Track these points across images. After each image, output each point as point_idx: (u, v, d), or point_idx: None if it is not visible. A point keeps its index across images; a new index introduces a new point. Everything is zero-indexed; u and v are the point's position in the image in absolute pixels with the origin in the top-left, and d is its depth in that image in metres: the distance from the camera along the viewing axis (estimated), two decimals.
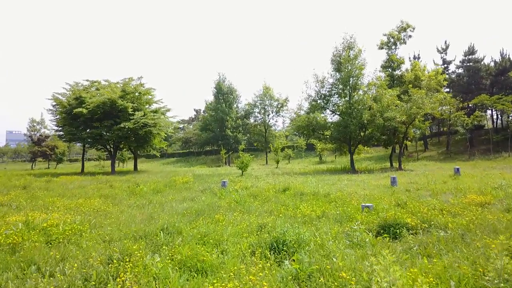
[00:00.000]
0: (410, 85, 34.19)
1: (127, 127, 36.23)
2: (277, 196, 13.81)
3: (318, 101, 33.81)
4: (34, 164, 72.05)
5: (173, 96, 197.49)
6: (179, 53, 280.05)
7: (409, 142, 36.99)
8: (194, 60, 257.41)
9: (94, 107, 36.46)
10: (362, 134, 32.93)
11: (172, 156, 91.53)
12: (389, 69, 35.11)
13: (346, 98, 31.89)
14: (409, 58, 46.91)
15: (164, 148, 61.11)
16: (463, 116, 43.95)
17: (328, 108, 34.05)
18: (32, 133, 75.97)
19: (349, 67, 31.21)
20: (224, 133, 61.55)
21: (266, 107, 64.11)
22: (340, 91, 32.57)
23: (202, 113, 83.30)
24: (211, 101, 67.58)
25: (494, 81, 48.16)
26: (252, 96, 78.26)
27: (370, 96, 30.48)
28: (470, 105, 47.59)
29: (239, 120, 63.57)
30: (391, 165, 35.81)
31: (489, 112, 52.39)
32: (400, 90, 32.53)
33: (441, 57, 50.70)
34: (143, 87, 42.75)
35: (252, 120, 67.99)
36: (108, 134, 37.67)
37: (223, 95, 63.76)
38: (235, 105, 65.71)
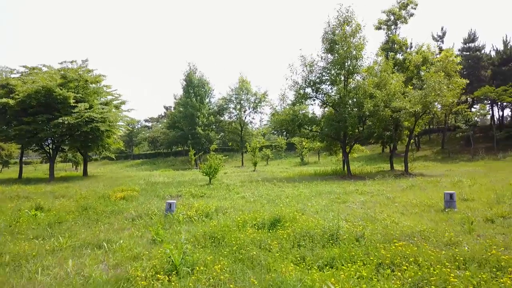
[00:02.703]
0: (415, 70, 28.37)
1: (67, 122, 28.58)
2: (262, 247, 7.04)
3: (306, 89, 27.41)
4: None
5: (142, 92, 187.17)
6: (147, 43, 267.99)
7: (400, 142, 31.13)
8: (164, 52, 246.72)
9: (25, 97, 28.66)
10: (360, 129, 26.75)
11: (138, 157, 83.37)
12: (389, 52, 29.01)
13: (341, 85, 25.57)
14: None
15: (123, 148, 53.16)
16: (466, 110, 38.81)
17: (318, 98, 27.72)
18: None
19: (345, 47, 24.94)
20: (194, 131, 54.24)
21: (242, 102, 57.36)
22: (333, 77, 26.23)
23: (171, 110, 75.51)
24: (180, 95, 60.07)
25: (496, 71, 43.36)
26: (227, 90, 71.26)
27: (372, 81, 24.28)
28: (469, 98, 42.60)
29: (212, 116, 56.38)
30: (392, 167, 29.90)
31: (487, 107, 47.68)
32: (404, 76, 26.56)
33: (437, 45, 45.50)
34: (91, 73, 35.08)
35: (226, 117, 61.08)
36: (44, 131, 29.88)
37: (194, 88, 56.43)
38: (207, 100, 58.50)
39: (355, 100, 24.85)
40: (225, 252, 6.55)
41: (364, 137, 26.61)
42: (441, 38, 47.01)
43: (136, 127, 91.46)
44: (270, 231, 7.92)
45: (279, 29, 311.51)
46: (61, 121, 28.39)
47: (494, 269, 5.11)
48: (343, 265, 5.62)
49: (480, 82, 42.90)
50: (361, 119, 25.65)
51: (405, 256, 5.74)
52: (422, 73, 27.29)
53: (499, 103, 45.03)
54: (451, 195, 9.66)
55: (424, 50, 28.58)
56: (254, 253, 6.38)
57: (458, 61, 24.48)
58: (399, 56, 29.64)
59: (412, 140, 30.27)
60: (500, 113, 49.38)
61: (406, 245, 6.23)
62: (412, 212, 9.97)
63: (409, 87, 24.95)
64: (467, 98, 41.93)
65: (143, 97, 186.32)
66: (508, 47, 43.81)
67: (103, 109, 33.00)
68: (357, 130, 27.01)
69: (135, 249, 7.10)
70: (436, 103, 22.35)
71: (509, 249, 6.11)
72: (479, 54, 43.85)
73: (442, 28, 48.33)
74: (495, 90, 38.34)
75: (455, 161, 37.55)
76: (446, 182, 16.51)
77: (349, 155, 28.77)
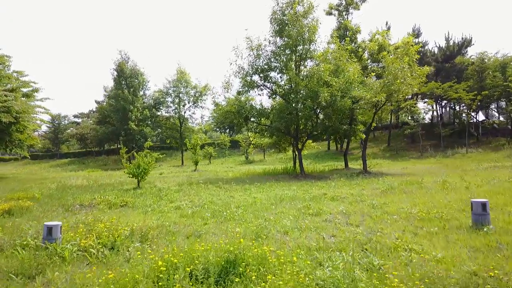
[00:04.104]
0: (370, 59, 26.28)
1: None
2: None
3: (253, 76, 23.88)
4: None
5: (73, 86, 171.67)
6: (80, 34, 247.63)
7: (354, 138, 28.92)
8: (98, 43, 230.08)
9: None
10: (313, 123, 23.87)
11: (66, 156, 74.30)
12: (342, 41, 26.46)
13: (292, 72, 22.33)
14: None
15: (39, 145, 45.82)
16: (414, 106, 38.06)
17: (266, 87, 24.32)
18: None
19: (297, 28, 21.80)
20: (127, 126, 48.21)
21: (181, 95, 52.34)
22: (283, 63, 22.96)
23: (103, 104, 67.85)
24: (111, 87, 53.45)
25: (439, 68, 43.37)
26: (164, 82, 65.59)
27: (328, 68, 21.37)
28: (414, 94, 42.13)
29: (147, 110, 50.63)
30: (346, 165, 27.56)
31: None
32: (359, 65, 24.15)
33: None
34: None
35: (164, 112, 55.61)
36: None
37: (126, 79, 50.23)
38: (141, 92, 52.52)
39: (308, 89, 21.78)
40: None
41: (319, 132, 23.73)
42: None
43: (63, 122, 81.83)
44: None
45: (222, 17, 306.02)
46: None
47: None
48: None
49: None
50: (315, 111, 22.74)
51: None
52: (379, 64, 25.11)
53: (441, 101, 45.33)
54: (483, 205, 6.59)
55: (378, 38, 26.50)
56: None
57: (417, 49, 22.45)
58: (352, 45, 27.24)
59: (363, 136, 28.10)
60: (440, 110, 50.11)
61: None
62: (428, 231, 6.78)
63: (371, 74, 22.55)
64: (412, 94, 41.42)
65: (74, 91, 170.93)
66: (451, 44, 44.30)
67: (6, 96, 26.72)
68: (310, 124, 24.10)
69: None
70: (399, 92, 20.02)
71: None
72: (423, 50, 43.69)
73: (386, 23, 47.99)
74: (441, 86, 38.01)
75: (404, 159, 36.59)
76: (429, 182, 13.89)
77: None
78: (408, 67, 20.28)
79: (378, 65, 24.43)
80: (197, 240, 6.92)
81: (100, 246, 6.38)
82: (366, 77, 22.78)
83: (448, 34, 44.90)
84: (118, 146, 59.94)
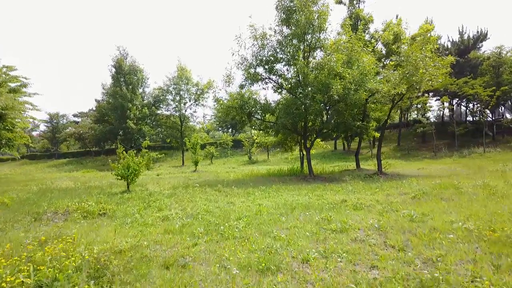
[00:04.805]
0: (385, 50, 24.15)
1: None
2: None
3: (257, 68, 21.76)
4: None
5: (75, 86, 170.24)
6: (80, 32, 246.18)
7: (366, 136, 26.54)
8: (98, 41, 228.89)
9: None
10: (323, 119, 21.76)
11: (65, 156, 72.50)
12: (354, 31, 24.21)
13: (301, 64, 20.14)
14: None
15: (31, 144, 43.95)
16: (426, 103, 35.85)
17: (272, 81, 22.21)
18: None
19: (305, 15, 19.66)
20: (125, 125, 46.18)
21: (182, 93, 50.30)
22: (290, 54, 20.81)
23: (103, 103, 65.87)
24: (110, 85, 51.39)
25: (452, 63, 40.77)
26: (164, 79, 63.44)
27: (341, 58, 19.21)
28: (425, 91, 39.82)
29: (146, 108, 48.51)
30: (358, 166, 25.39)
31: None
32: (374, 56, 21.98)
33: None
34: None
35: (164, 110, 53.49)
36: None
37: (124, 76, 48.18)
38: (140, 90, 50.41)
39: (318, 81, 19.61)
40: None
41: (330, 129, 21.54)
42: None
43: (61, 121, 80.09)
44: None
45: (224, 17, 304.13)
46: None
47: None
48: None
49: None
50: (326, 105, 20.60)
51: None
52: (394, 55, 22.90)
53: (457, 98, 42.91)
54: None
55: (392, 27, 24.28)
56: None
57: (436, 39, 20.28)
58: (365, 36, 25.04)
59: (376, 135, 25.87)
60: (454, 108, 47.64)
61: None
62: None
63: (390, 64, 20.39)
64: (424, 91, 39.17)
65: (76, 90, 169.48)
66: (465, 38, 41.97)
67: None
68: (319, 120, 21.98)
69: None
70: (422, 84, 17.84)
71: None
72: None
73: (397, 16, 45.47)
74: (455, 81, 35.69)
75: (417, 159, 34.36)
76: (467, 185, 11.69)
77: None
78: (430, 56, 18.08)
79: (395, 56, 22.22)
80: (179, 272, 4.87)
81: (34, 286, 4.32)
82: (382, 68, 20.60)
83: (462, 27, 42.58)
84: (115, 146, 57.92)
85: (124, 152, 16.46)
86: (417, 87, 18.04)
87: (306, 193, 12.93)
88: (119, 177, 15.75)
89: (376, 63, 20.31)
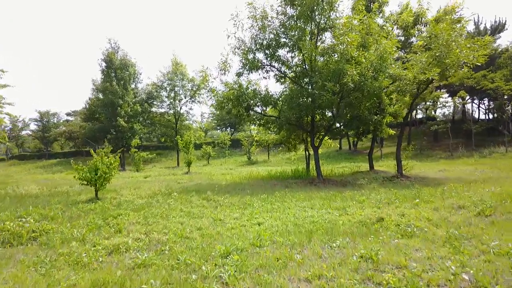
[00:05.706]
0: (404, 34, 21.10)
1: None
2: None
3: (257, 53, 18.64)
4: None
5: (68, 83, 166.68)
6: (71, 28, 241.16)
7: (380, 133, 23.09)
8: (89, 36, 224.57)
9: None
10: (334, 113, 18.60)
11: (55, 156, 69.22)
12: (365, 16, 20.93)
13: (308, 47, 16.94)
14: None
15: (7, 142, 40.79)
16: (439, 98, 32.74)
17: (274, 68, 19.08)
18: None
19: None
20: (115, 123, 42.99)
21: (176, 89, 47.17)
22: (294, 38, 17.60)
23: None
24: (100, 80, 48.13)
25: None
26: (158, 75, 59.98)
27: (356, 39, 16.07)
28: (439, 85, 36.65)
29: (138, 105, 45.33)
30: (372, 167, 22.27)
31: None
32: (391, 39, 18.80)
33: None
34: None
35: (158, 108, 50.23)
36: None
37: (115, 70, 44.92)
38: (132, 86, 47.09)
39: (329, 68, 16.45)
40: None
41: (343, 124, 18.38)
42: (399, 14, 40.72)
43: (52, 120, 76.77)
44: None
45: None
46: None
47: None
48: None
49: None
50: (338, 96, 17.41)
51: None
52: (413, 39, 19.83)
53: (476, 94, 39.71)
54: None
55: (411, 9, 21.14)
56: None
57: (465, 20, 17.11)
58: (380, 20, 21.87)
59: (391, 132, 22.63)
60: (471, 104, 44.47)
61: None
62: None
63: (418, 44, 17.25)
64: (438, 86, 36.00)
65: (71, 89, 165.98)
66: (481, 29, 38.81)
67: None
68: (330, 114, 18.87)
69: None
70: (457, 67, 14.79)
71: None
72: None
73: (399, 5, 42.35)
74: (472, 75, 32.54)
75: (432, 159, 31.22)
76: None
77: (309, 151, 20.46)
78: (465, 35, 15.00)
79: (420, 37, 19.03)
80: None
81: None
82: (403, 52, 17.48)
83: (478, 17, 39.49)
84: (101, 146, 54.47)
85: (92, 151, 13.33)
86: (451, 72, 14.89)
87: (321, 204, 9.78)
88: (84, 182, 12.61)
89: (397, 46, 17.19)
